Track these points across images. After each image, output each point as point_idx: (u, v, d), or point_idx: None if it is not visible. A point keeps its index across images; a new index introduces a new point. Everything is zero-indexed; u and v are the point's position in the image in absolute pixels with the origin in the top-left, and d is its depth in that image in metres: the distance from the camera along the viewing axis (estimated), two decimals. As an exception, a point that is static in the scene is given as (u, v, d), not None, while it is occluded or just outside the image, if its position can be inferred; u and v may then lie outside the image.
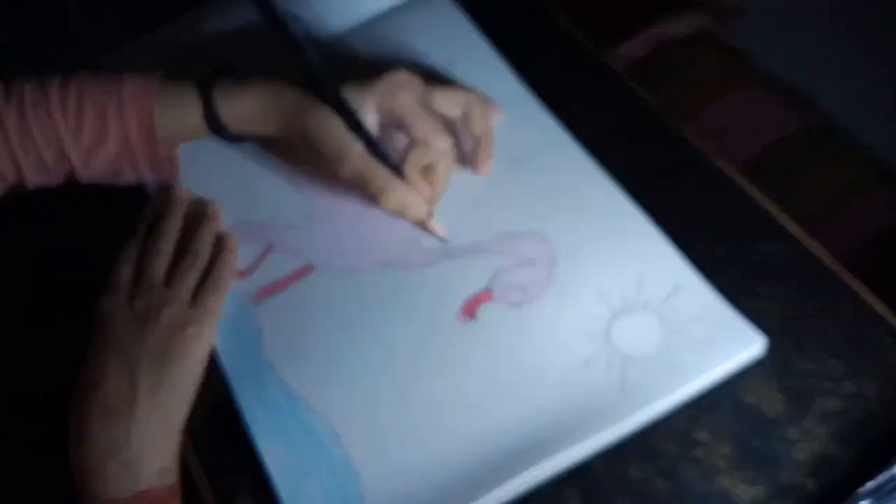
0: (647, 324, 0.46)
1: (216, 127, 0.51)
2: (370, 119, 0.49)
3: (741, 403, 0.44)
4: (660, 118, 0.55)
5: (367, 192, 0.49)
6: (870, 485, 0.37)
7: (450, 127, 0.51)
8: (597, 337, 0.46)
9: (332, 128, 0.48)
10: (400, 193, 0.49)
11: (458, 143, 0.52)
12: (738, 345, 0.45)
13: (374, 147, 0.49)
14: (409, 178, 0.50)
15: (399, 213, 0.50)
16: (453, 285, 0.49)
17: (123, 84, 0.50)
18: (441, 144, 0.49)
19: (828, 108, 0.82)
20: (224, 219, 0.54)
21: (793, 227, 0.49)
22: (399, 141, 0.51)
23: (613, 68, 0.58)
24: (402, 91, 0.49)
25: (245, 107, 0.50)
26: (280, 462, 0.45)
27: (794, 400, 0.44)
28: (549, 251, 0.50)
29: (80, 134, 0.49)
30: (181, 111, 0.50)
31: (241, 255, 0.53)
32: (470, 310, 0.48)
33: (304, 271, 0.52)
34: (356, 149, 0.48)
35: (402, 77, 0.50)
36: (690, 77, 0.86)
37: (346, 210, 0.54)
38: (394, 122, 0.49)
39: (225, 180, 0.56)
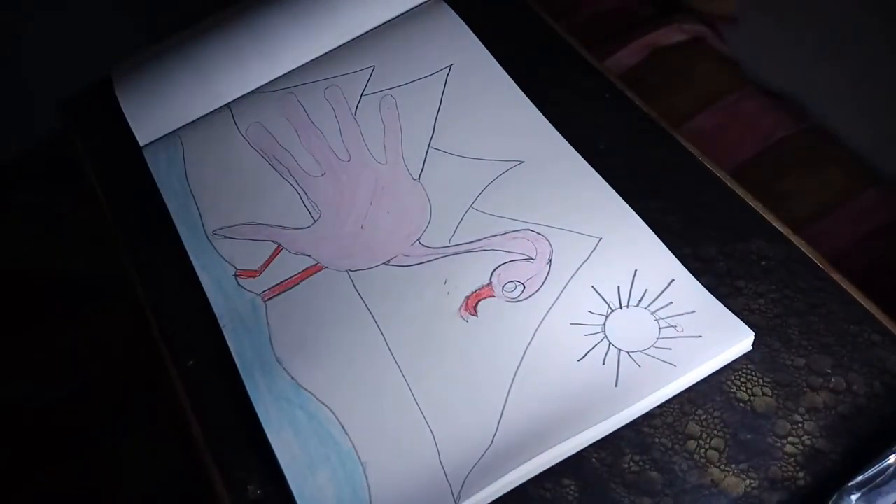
0: (641, 319, 0.46)
1: None
2: None
3: (731, 398, 0.43)
4: (652, 123, 0.54)
5: None
6: (859, 478, 0.37)
7: None
8: (593, 331, 0.46)
9: None
10: None
11: None
12: (729, 339, 0.44)
13: None
14: None
15: None
16: (455, 282, 0.49)
17: None
18: None
19: (818, 113, 0.81)
20: (234, 219, 0.54)
21: (781, 227, 0.48)
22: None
23: (606, 75, 0.57)
24: None
25: None
26: (290, 454, 0.44)
27: (783, 395, 0.43)
28: (547, 248, 0.49)
29: None
30: None
31: (252, 255, 0.52)
32: (471, 305, 0.48)
33: (311, 271, 0.51)
34: None
35: None
36: (684, 83, 0.85)
37: (351, 213, 0.53)
38: None
39: (234, 183, 0.55)
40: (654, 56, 0.87)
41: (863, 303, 0.45)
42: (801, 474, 0.41)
